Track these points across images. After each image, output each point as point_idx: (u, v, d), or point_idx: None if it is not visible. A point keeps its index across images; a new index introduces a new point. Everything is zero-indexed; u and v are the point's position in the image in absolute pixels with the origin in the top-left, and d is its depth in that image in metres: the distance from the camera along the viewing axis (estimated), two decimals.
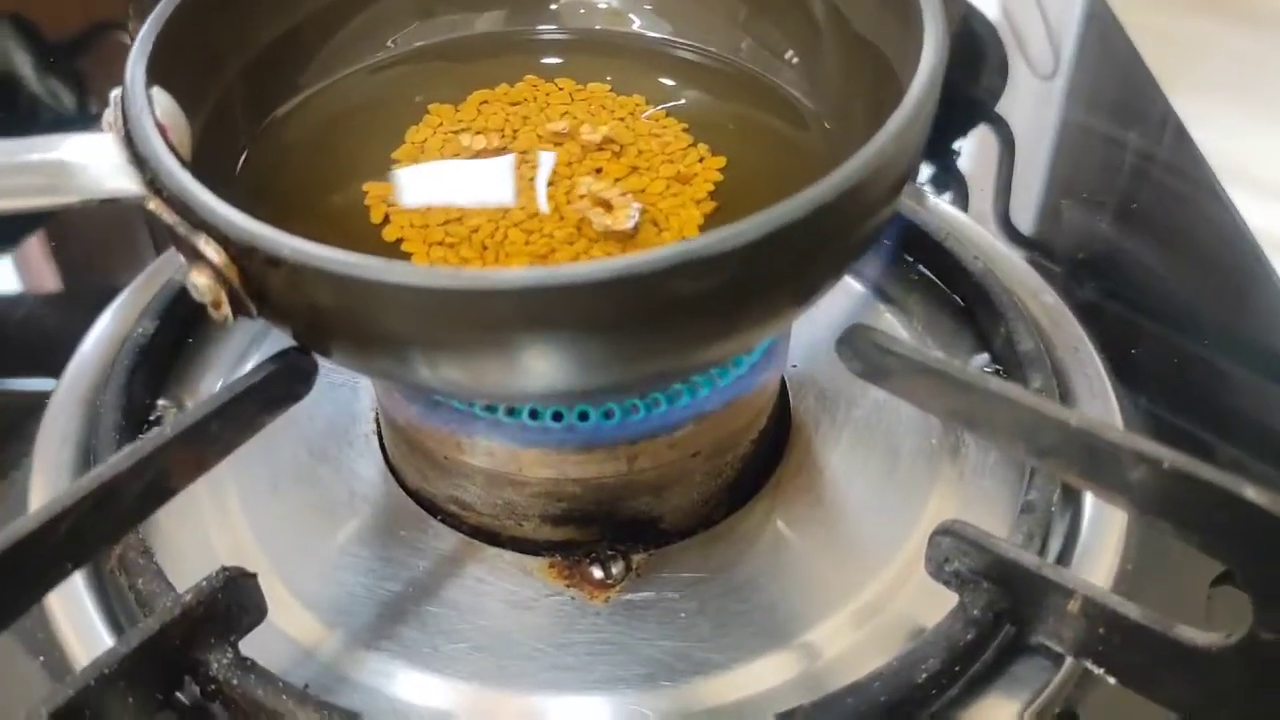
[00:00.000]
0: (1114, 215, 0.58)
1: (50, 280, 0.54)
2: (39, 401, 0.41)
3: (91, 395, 0.41)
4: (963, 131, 0.66)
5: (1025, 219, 0.58)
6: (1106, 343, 0.45)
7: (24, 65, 0.71)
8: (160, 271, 0.46)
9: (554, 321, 0.26)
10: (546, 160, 0.37)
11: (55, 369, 0.43)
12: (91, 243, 0.56)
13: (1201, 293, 0.52)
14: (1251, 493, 0.26)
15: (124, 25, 0.72)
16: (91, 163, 0.28)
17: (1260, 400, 0.47)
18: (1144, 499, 0.28)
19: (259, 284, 0.27)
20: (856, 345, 0.32)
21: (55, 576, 0.27)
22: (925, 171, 0.60)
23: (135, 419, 0.40)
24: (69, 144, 0.29)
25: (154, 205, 0.28)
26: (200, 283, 0.27)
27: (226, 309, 0.28)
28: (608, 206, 0.35)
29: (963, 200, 0.60)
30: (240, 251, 0.27)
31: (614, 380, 0.29)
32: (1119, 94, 0.69)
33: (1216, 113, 0.64)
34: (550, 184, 0.36)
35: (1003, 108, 0.67)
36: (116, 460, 0.27)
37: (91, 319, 0.45)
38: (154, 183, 0.28)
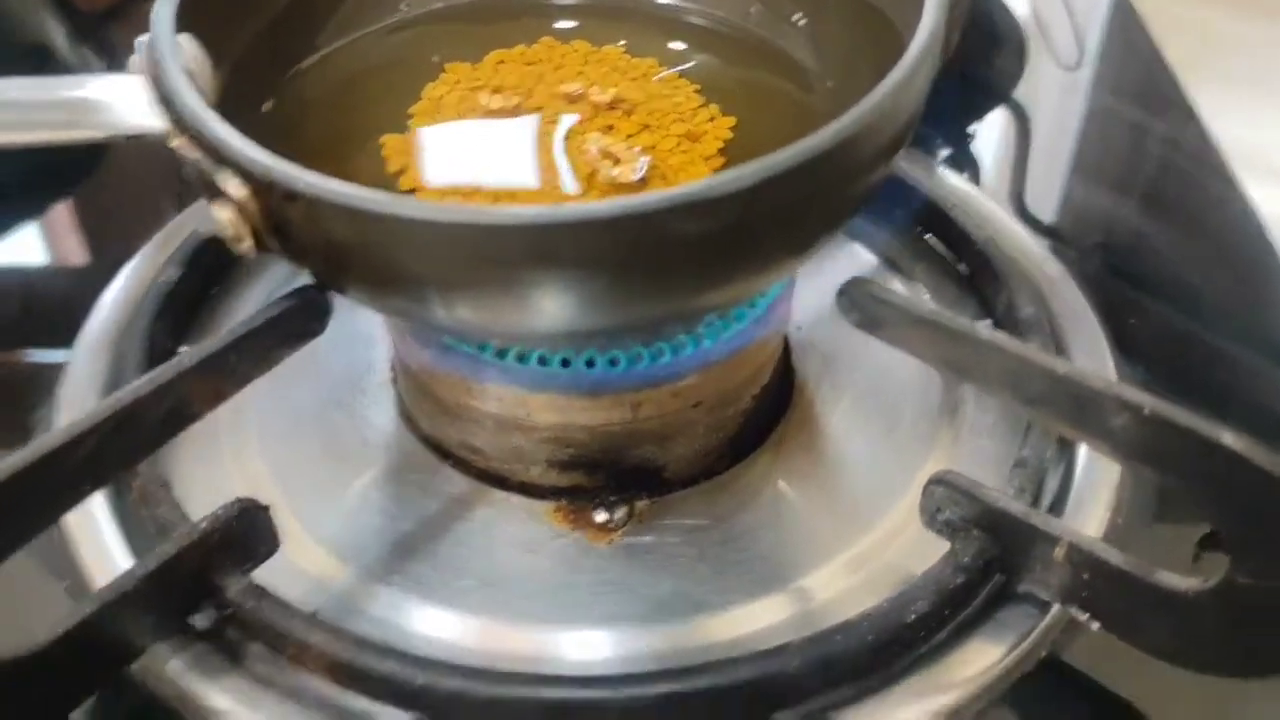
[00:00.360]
0: (1128, 202, 0.59)
1: (76, 251, 0.56)
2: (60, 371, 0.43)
3: (116, 339, 0.42)
4: (979, 115, 0.66)
5: (1041, 204, 0.58)
6: (1109, 318, 0.46)
7: (56, 34, 0.73)
8: (184, 224, 0.47)
9: (560, 258, 0.27)
10: (564, 120, 0.38)
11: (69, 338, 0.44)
12: (116, 211, 0.57)
13: (1209, 276, 0.52)
14: (1229, 439, 0.27)
15: None
16: (118, 101, 0.29)
17: (1260, 382, 0.47)
18: (1127, 445, 0.29)
19: (278, 218, 0.29)
20: (854, 296, 0.33)
21: (75, 495, 0.28)
22: (940, 153, 0.61)
23: (158, 363, 0.42)
24: (97, 83, 0.30)
25: (178, 142, 0.29)
26: (222, 217, 0.29)
27: (248, 242, 0.29)
28: (616, 159, 0.36)
29: (976, 182, 0.60)
30: (260, 186, 0.28)
31: (618, 320, 0.31)
32: (1139, 84, 0.69)
33: (1233, 103, 0.64)
34: (565, 139, 0.37)
35: (1024, 95, 0.68)
36: (138, 385, 0.29)
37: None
38: (179, 121, 0.29)
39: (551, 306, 0.29)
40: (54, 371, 0.42)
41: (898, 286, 0.47)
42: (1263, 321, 0.50)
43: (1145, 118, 0.66)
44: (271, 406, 0.41)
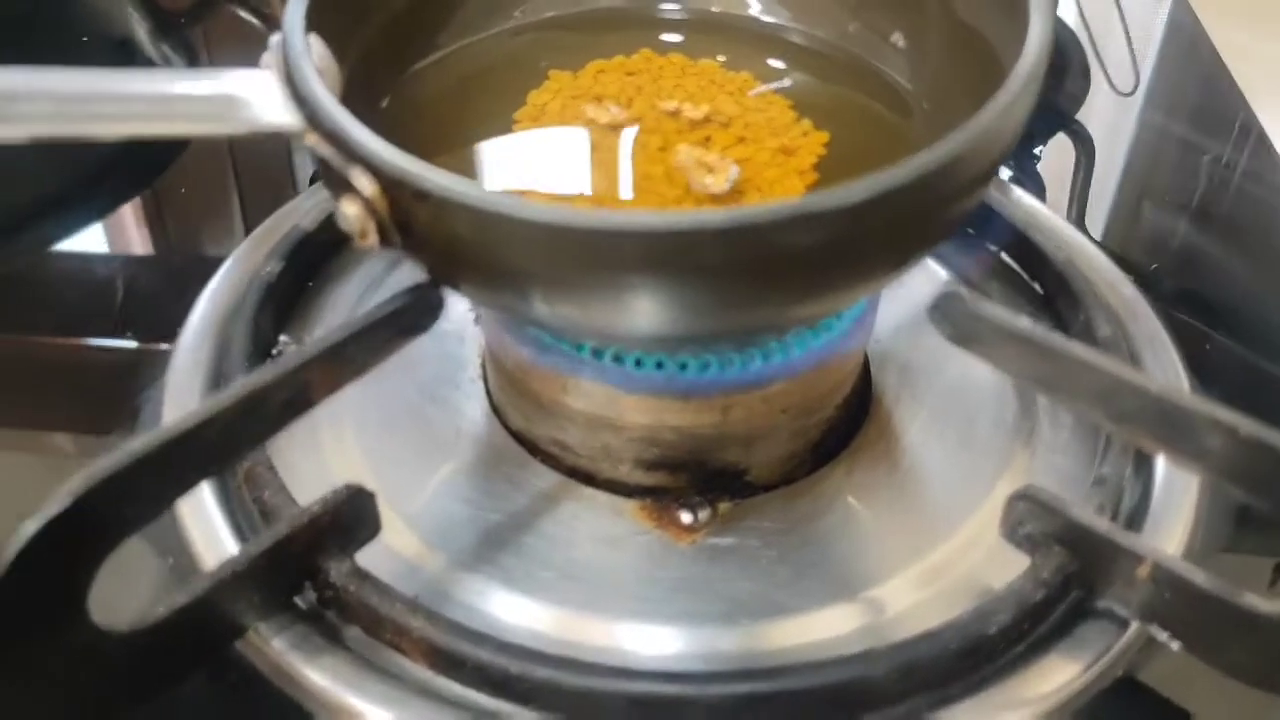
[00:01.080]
0: (1191, 222, 0.59)
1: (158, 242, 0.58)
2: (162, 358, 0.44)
3: (221, 327, 0.44)
4: (1044, 138, 0.67)
5: (1101, 227, 0.59)
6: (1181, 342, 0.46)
7: (140, 30, 0.75)
8: (283, 219, 0.49)
9: (671, 264, 0.28)
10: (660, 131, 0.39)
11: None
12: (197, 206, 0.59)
13: (1274, 296, 0.53)
14: None
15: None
16: (255, 97, 0.31)
17: None
18: (1218, 464, 0.29)
19: (405, 215, 0.30)
20: (948, 310, 0.34)
21: (201, 475, 0.30)
22: (1004, 173, 0.61)
23: (261, 350, 0.43)
24: (235, 78, 0.31)
25: (311, 139, 0.30)
26: (350, 212, 0.30)
27: (373, 238, 0.30)
28: (709, 168, 0.37)
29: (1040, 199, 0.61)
30: (390, 184, 0.29)
31: (717, 327, 0.32)
32: (1201, 105, 0.70)
33: None
34: (661, 149, 0.38)
35: (1083, 115, 0.68)
36: (263, 371, 0.30)
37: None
38: (313, 119, 0.31)
39: (656, 311, 0.30)
40: (152, 358, 0.44)
41: None
42: None
43: (1202, 140, 0.66)
44: (368, 399, 0.42)
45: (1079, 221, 0.60)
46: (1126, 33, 0.75)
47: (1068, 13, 0.76)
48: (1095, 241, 0.54)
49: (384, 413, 0.42)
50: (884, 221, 0.29)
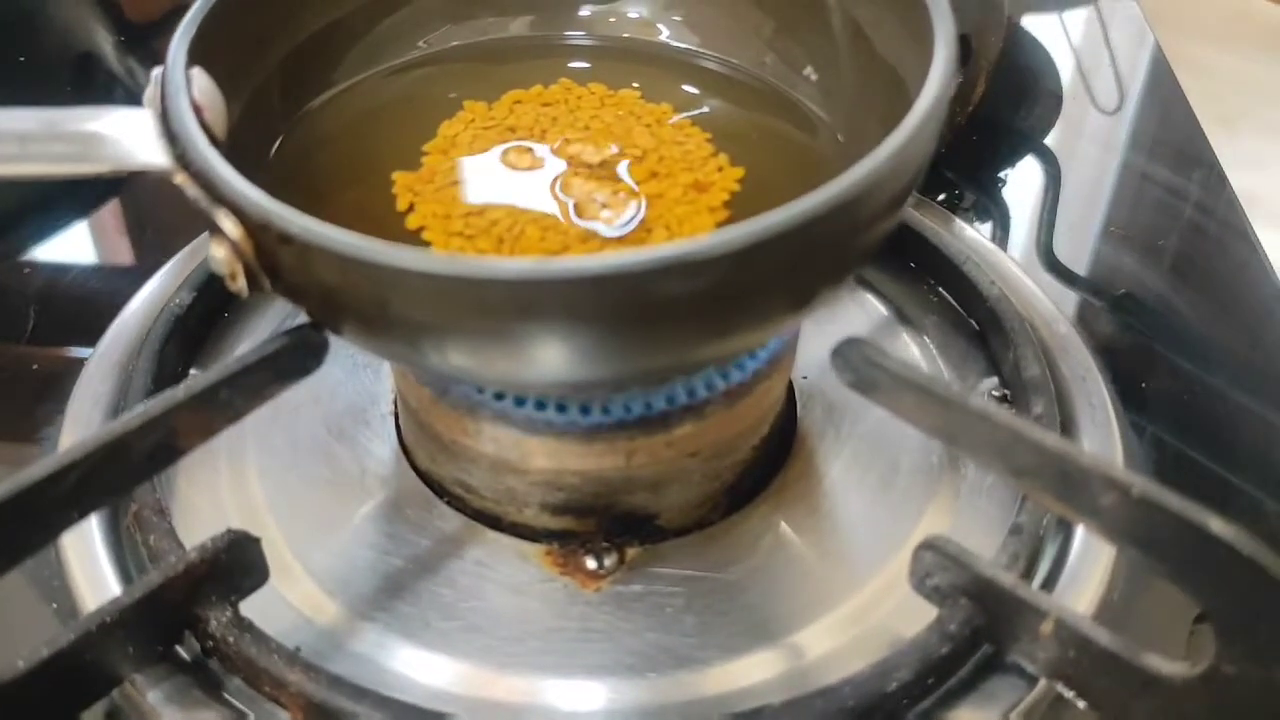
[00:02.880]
0: (1155, 256, 0.58)
1: (109, 250, 0.57)
2: (76, 366, 0.43)
3: (126, 360, 0.43)
4: (1010, 162, 0.66)
5: (1069, 254, 0.58)
6: (1124, 375, 0.45)
7: (105, 43, 0.74)
8: (199, 249, 0.48)
9: (545, 313, 0.27)
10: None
11: (96, 337, 0.45)
12: (155, 216, 0.58)
13: (1221, 332, 0.51)
14: (1216, 526, 0.26)
15: None
16: (125, 135, 0.30)
17: (1267, 429, 0.46)
18: (1114, 524, 0.28)
19: (272, 259, 0.29)
20: (849, 357, 0.33)
21: (62, 523, 0.28)
22: (968, 198, 0.60)
23: (165, 385, 0.42)
24: (106, 117, 0.30)
25: (180, 179, 0.29)
26: (218, 255, 0.29)
27: (242, 282, 0.29)
28: (604, 204, 0.36)
29: (1004, 230, 0.60)
30: (255, 227, 0.28)
31: (608, 374, 0.31)
32: (1166, 132, 0.69)
33: (1261, 153, 0.64)
34: (564, 187, 0.37)
35: (1055, 143, 0.67)
36: (128, 418, 0.29)
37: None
38: (182, 157, 0.30)
39: (542, 358, 0.29)
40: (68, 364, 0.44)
41: (907, 339, 0.47)
42: (1270, 371, 0.49)
43: (1179, 165, 0.65)
44: (273, 433, 0.41)
45: (1045, 247, 0.59)
46: (1109, 49, 0.74)
47: (1049, 34, 0.75)
48: (1052, 268, 0.54)
49: (289, 449, 0.41)
50: (771, 265, 0.28)
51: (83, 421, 0.41)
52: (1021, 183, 0.64)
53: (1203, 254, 0.58)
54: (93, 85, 0.71)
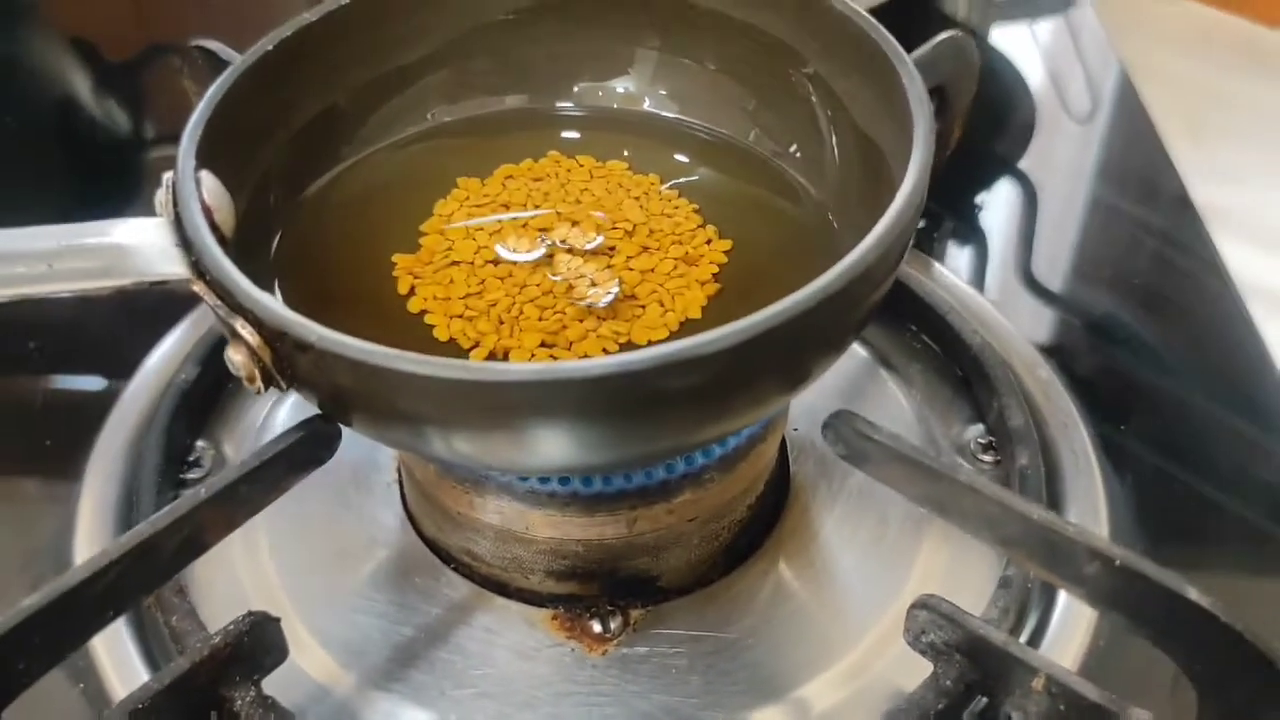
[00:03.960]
0: (1116, 276, 0.60)
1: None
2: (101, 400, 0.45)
3: (136, 437, 0.44)
4: (986, 184, 0.67)
5: (1048, 274, 0.60)
6: (1105, 412, 0.47)
7: (82, 87, 0.74)
8: (202, 319, 0.49)
9: (552, 410, 0.29)
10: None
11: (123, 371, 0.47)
12: None
13: (1189, 354, 0.53)
14: (1194, 594, 0.28)
15: (181, 48, 0.76)
16: (144, 246, 0.31)
17: (1244, 459, 0.48)
18: (1097, 592, 0.30)
19: (289, 364, 0.30)
20: (840, 430, 0.34)
21: (99, 624, 0.30)
22: (947, 225, 0.62)
23: (176, 460, 0.44)
24: (123, 228, 0.31)
25: (198, 288, 0.30)
26: (237, 359, 0.30)
27: (259, 383, 0.30)
28: (591, 282, 0.37)
29: (982, 254, 0.62)
30: (272, 335, 0.30)
31: (611, 460, 0.32)
32: (1131, 146, 0.70)
33: (1229, 164, 0.65)
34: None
35: (1028, 165, 0.69)
36: (156, 519, 0.30)
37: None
38: (198, 265, 0.31)
39: (545, 448, 0.30)
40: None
41: (893, 387, 0.49)
42: (1236, 389, 0.51)
43: (1137, 177, 0.67)
44: (282, 506, 0.42)
45: (1024, 269, 0.60)
46: (1081, 58, 0.76)
47: (1021, 48, 0.76)
48: (1032, 288, 0.55)
49: (298, 522, 0.42)
50: (764, 356, 0.30)
51: (99, 501, 0.42)
52: (996, 206, 0.65)
53: (1165, 274, 0.59)
54: (74, 131, 0.71)
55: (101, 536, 0.41)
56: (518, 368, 0.28)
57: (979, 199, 0.66)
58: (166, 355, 0.48)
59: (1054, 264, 0.62)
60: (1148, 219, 0.64)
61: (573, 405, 0.28)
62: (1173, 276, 0.59)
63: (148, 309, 0.52)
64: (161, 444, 0.43)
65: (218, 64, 0.46)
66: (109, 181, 0.66)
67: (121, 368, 0.48)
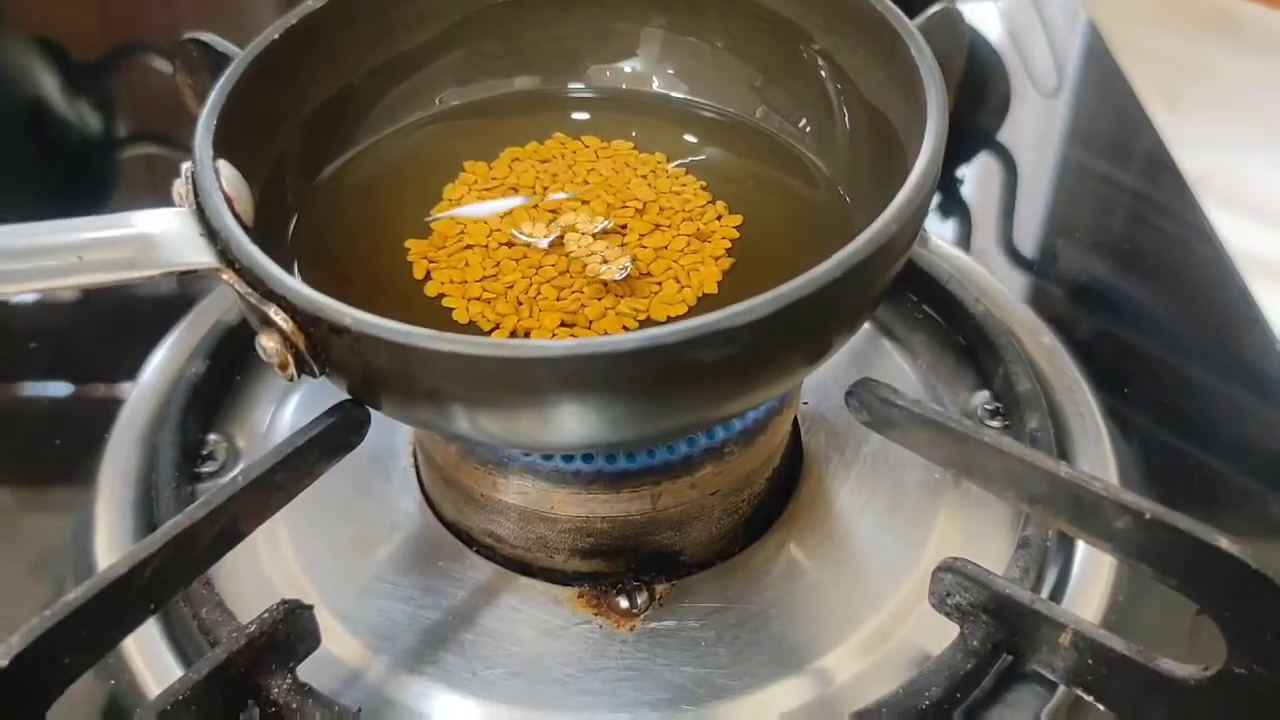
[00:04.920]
0: (1108, 248, 0.61)
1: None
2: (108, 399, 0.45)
3: (148, 433, 0.44)
4: (966, 159, 0.68)
5: (1026, 245, 0.60)
6: (1097, 362, 0.48)
7: (51, 87, 0.74)
8: (207, 311, 0.49)
9: (585, 386, 0.29)
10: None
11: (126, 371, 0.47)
12: None
13: (1185, 318, 0.54)
14: (1224, 542, 0.29)
15: (150, 46, 0.75)
16: (170, 236, 0.31)
17: (1244, 422, 0.49)
18: (1127, 546, 0.30)
19: (323, 349, 0.30)
20: (863, 397, 0.35)
21: (141, 616, 0.30)
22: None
23: (189, 454, 0.43)
24: (146, 218, 0.31)
25: (227, 276, 0.30)
26: (269, 346, 0.30)
27: (293, 369, 0.31)
28: (602, 258, 0.38)
29: (966, 228, 0.62)
30: (306, 320, 0.30)
31: (639, 435, 0.32)
32: (1111, 114, 0.71)
33: (1207, 133, 0.66)
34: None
35: (1005, 134, 0.69)
36: (193, 509, 0.30)
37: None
38: (225, 254, 0.31)
39: (575, 425, 0.31)
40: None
41: (898, 358, 0.49)
42: (1233, 354, 0.52)
43: (1120, 144, 0.68)
44: (299, 496, 0.42)
45: (1007, 243, 0.61)
46: (1047, 32, 0.77)
47: (990, 24, 0.77)
48: (1014, 260, 0.56)
49: (317, 510, 0.42)
50: (791, 328, 0.30)
51: (116, 499, 0.42)
52: (976, 179, 0.66)
53: (1154, 239, 0.60)
54: (44, 132, 0.70)
55: (122, 534, 0.41)
56: (558, 344, 0.28)
57: (960, 172, 0.67)
58: (173, 351, 0.48)
59: (1040, 234, 0.63)
60: (1133, 185, 0.65)
61: (610, 380, 0.29)
62: (1160, 241, 0.60)
63: (147, 309, 0.52)
64: (176, 439, 0.43)
65: (213, 56, 0.46)
66: (80, 180, 0.65)
67: (124, 368, 0.48)
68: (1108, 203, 0.65)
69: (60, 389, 0.50)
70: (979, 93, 0.72)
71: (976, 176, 0.67)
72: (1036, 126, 0.71)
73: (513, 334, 0.36)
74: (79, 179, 0.66)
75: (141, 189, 0.69)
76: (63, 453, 0.45)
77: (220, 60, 0.45)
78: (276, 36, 0.39)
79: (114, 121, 0.73)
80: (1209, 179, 0.61)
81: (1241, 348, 0.52)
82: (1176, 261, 0.58)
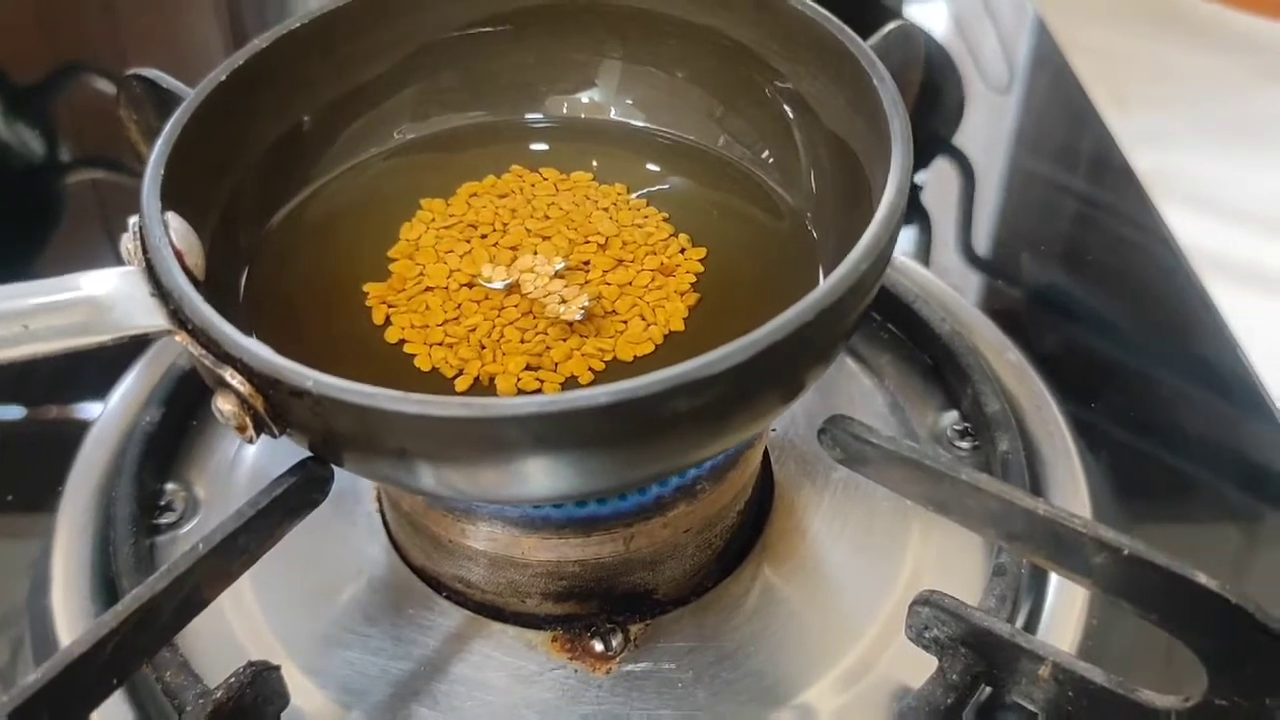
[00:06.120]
0: (1063, 249, 0.61)
1: None
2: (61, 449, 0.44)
3: (104, 485, 0.43)
4: (923, 164, 0.68)
5: (984, 252, 0.61)
6: (1062, 376, 0.48)
7: None
8: (161, 355, 0.48)
9: (558, 442, 0.28)
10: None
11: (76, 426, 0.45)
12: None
13: (1145, 324, 0.54)
14: (1203, 578, 0.29)
15: (91, 66, 0.73)
16: (119, 299, 0.30)
17: (1202, 417, 0.50)
18: (1106, 581, 0.30)
19: (283, 411, 0.29)
20: (836, 435, 0.34)
21: (103, 693, 0.29)
22: None
23: (147, 506, 0.42)
24: (94, 280, 0.30)
25: (181, 338, 0.29)
26: (226, 409, 0.29)
27: (251, 432, 0.30)
28: (561, 298, 0.37)
29: (926, 236, 0.62)
30: (264, 383, 0.29)
31: (612, 485, 0.32)
32: (1062, 115, 0.71)
33: (1160, 131, 0.67)
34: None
35: (959, 137, 0.69)
36: (154, 580, 0.29)
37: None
38: (178, 315, 0.30)
39: (548, 480, 0.30)
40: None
41: (864, 379, 0.49)
42: (1190, 351, 0.52)
43: (1064, 140, 0.68)
44: None
45: (966, 248, 0.61)
46: (997, 32, 0.77)
47: (939, 21, 0.77)
48: (974, 263, 0.56)
49: (279, 559, 0.40)
50: (766, 371, 0.29)
51: (74, 554, 0.40)
52: (932, 185, 0.66)
53: (1111, 243, 0.60)
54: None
55: (79, 593, 0.39)
56: (529, 401, 0.27)
57: (917, 179, 0.66)
58: (126, 399, 0.46)
59: (996, 240, 0.63)
60: (1086, 188, 0.65)
61: (583, 435, 0.28)
62: (1117, 245, 0.61)
63: (97, 354, 0.51)
64: (132, 491, 0.41)
65: (157, 93, 0.45)
66: (22, 206, 0.63)
67: (76, 419, 0.47)
68: (1060, 208, 0.65)
69: (11, 439, 0.49)
70: (934, 98, 0.72)
71: (933, 182, 0.67)
72: (989, 129, 0.71)
73: (476, 380, 0.35)
74: (21, 205, 0.64)
75: (87, 216, 0.68)
76: (15, 507, 0.44)
77: (165, 97, 0.44)
78: (224, 78, 0.38)
79: (57, 146, 0.72)
80: (1159, 177, 0.62)
81: (1201, 349, 0.52)
82: (1133, 265, 0.59)
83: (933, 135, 0.69)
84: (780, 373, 0.30)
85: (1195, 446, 0.48)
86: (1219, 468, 0.47)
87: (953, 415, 0.47)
